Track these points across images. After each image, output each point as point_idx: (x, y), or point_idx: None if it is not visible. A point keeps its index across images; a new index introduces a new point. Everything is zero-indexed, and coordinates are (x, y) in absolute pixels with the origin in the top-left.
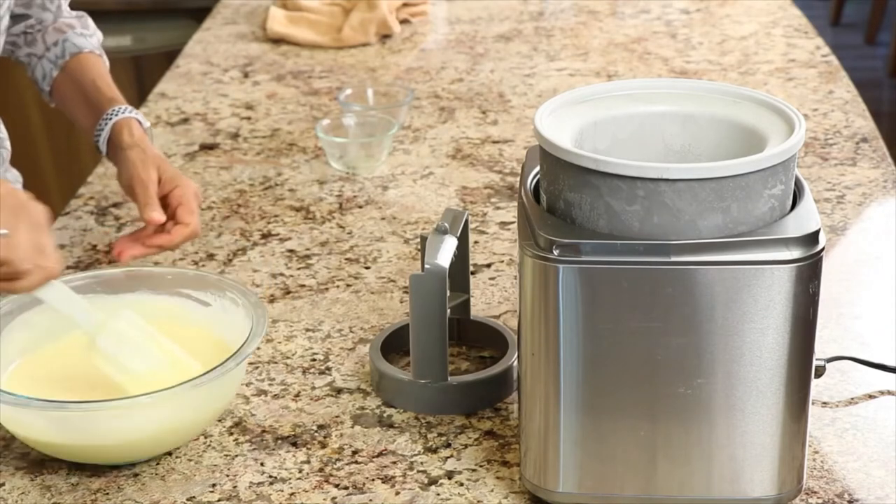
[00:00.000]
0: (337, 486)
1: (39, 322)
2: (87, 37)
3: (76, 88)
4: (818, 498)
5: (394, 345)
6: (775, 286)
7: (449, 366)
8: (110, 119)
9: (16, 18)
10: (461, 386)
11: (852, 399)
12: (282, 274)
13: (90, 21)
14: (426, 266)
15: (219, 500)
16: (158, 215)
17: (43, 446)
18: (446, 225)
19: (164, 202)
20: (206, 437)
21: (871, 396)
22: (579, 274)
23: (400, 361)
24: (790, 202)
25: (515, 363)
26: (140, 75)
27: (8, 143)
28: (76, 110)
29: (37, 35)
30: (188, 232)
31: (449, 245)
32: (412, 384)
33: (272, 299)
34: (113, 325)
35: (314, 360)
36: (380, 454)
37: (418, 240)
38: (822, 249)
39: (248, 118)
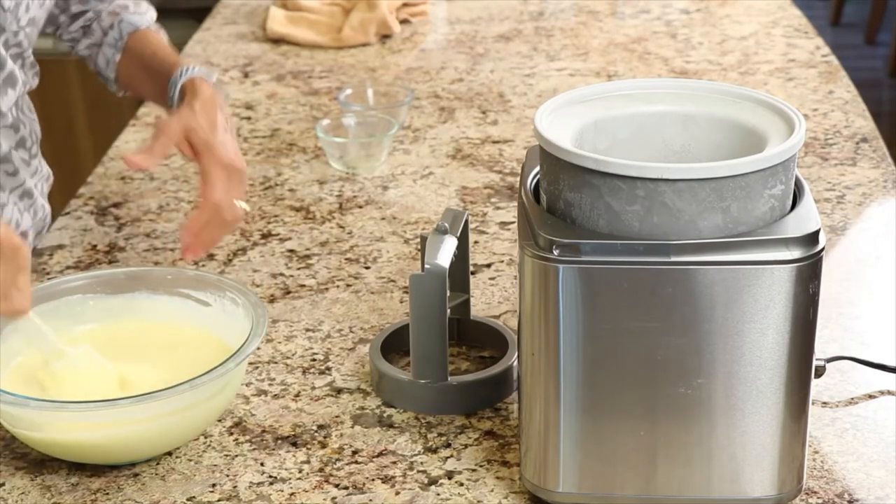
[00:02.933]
0: (337, 486)
1: (38, 322)
2: (142, 14)
3: (139, 66)
4: (818, 498)
5: (394, 345)
6: (775, 286)
7: (449, 366)
8: (176, 85)
9: (75, 17)
10: (461, 386)
11: (852, 399)
12: (282, 274)
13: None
14: (426, 266)
15: (219, 500)
16: (132, 156)
17: (43, 446)
18: (446, 225)
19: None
20: (206, 437)
21: (871, 396)
22: (579, 274)
23: (400, 361)
24: (790, 202)
25: (515, 363)
26: None
27: (38, 129)
28: (144, 87)
29: (93, 24)
30: (209, 208)
31: (449, 245)
32: (412, 384)
33: (272, 299)
34: (70, 355)
35: (314, 360)
36: (380, 454)
37: (418, 240)
38: (822, 249)
39: (248, 118)
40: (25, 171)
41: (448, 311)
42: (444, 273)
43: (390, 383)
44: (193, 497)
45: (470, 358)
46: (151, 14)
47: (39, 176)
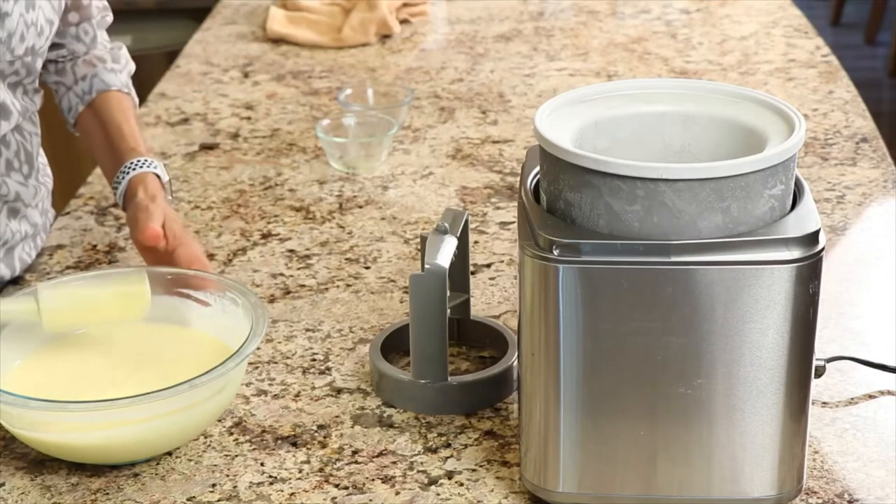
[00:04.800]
0: (337, 486)
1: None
2: (117, 72)
3: (100, 129)
4: (818, 498)
5: (394, 345)
6: (775, 286)
7: (449, 366)
8: (127, 173)
9: (50, 47)
10: (461, 386)
11: (852, 399)
12: (282, 274)
13: (124, 52)
14: (426, 266)
15: (219, 500)
16: (155, 226)
17: (43, 446)
18: (446, 225)
19: (171, 261)
20: (206, 437)
21: (871, 396)
22: (579, 274)
23: (400, 361)
24: (790, 202)
25: (515, 363)
26: (140, 75)
27: (50, 175)
28: (98, 151)
29: (66, 65)
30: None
31: (449, 245)
32: (412, 384)
33: (272, 299)
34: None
35: (314, 360)
36: (380, 454)
37: (418, 240)
38: (822, 249)
39: (248, 118)
40: (24, 193)
41: (448, 311)
42: (444, 273)
43: (390, 383)
44: (193, 497)
45: (470, 358)
46: (129, 70)
47: (39, 196)
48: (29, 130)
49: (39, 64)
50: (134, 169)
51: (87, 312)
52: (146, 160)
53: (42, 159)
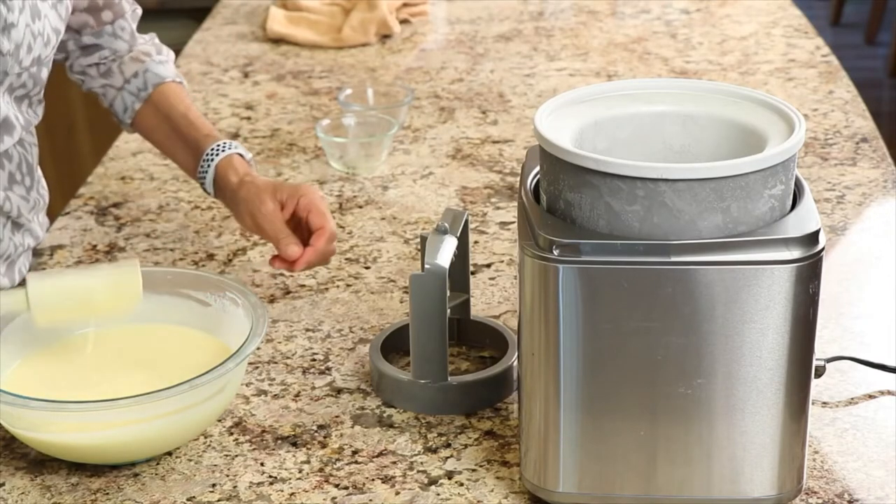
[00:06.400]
0: (337, 486)
1: None
2: (165, 63)
3: (165, 122)
4: (818, 498)
5: (394, 345)
6: (775, 286)
7: (449, 366)
8: (212, 160)
9: (86, 49)
10: (461, 386)
11: (852, 399)
12: (282, 274)
13: (158, 41)
14: (426, 266)
15: (219, 500)
16: (296, 249)
17: (43, 446)
18: (446, 225)
19: (294, 217)
20: (206, 437)
21: (871, 396)
22: (579, 274)
23: (400, 361)
24: (790, 202)
25: (515, 363)
26: None
27: (46, 187)
28: (167, 144)
29: (111, 66)
30: (327, 235)
31: (449, 245)
32: (412, 384)
33: (272, 299)
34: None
35: (314, 360)
36: (380, 454)
37: (418, 240)
38: (822, 249)
39: (248, 118)
40: (24, 207)
41: (448, 311)
42: (444, 273)
43: (390, 383)
44: (193, 497)
45: (470, 358)
46: (172, 57)
47: (38, 208)
48: (29, 142)
49: (45, 74)
50: (217, 154)
51: (78, 304)
52: (225, 143)
53: (39, 171)
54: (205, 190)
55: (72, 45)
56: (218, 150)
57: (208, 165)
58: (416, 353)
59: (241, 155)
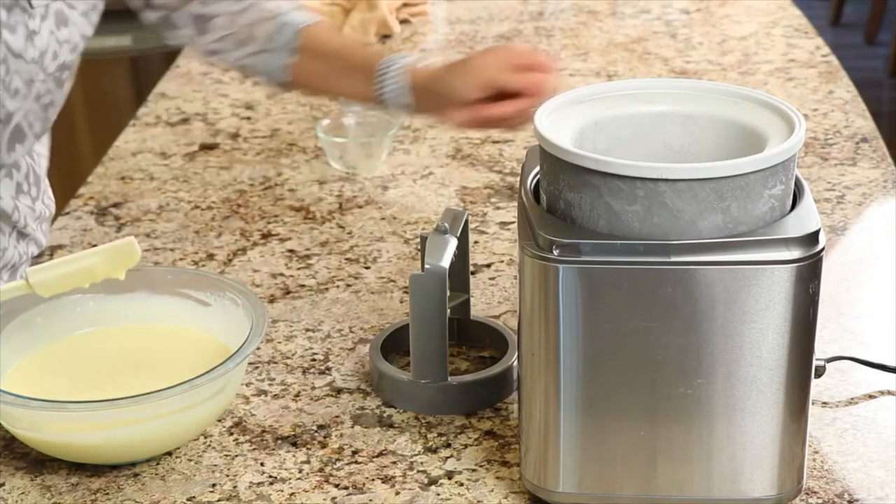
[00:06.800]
0: (337, 486)
1: (39, 322)
2: (297, 9)
3: (323, 63)
4: (818, 498)
5: (394, 345)
6: (775, 286)
7: (449, 366)
8: (385, 80)
9: (199, 20)
10: (461, 386)
11: (852, 399)
12: (282, 274)
13: None
14: (426, 266)
15: (219, 500)
16: (546, 58)
17: (43, 446)
18: (446, 225)
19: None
20: (206, 437)
21: (871, 396)
22: (579, 274)
23: (400, 361)
24: (790, 202)
25: (515, 363)
26: (140, 75)
27: (52, 198)
28: (334, 82)
29: (241, 33)
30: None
31: (449, 245)
32: (412, 384)
33: (272, 299)
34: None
35: (314, 360)
36: (380, 454)
37: (418, 240)
38: (822, 249)
39: (248, 118)
40: (31, 216)
41: (448, 311)
42: (444, 273)
43: (390, 383)
44: (193, 497)
45: (470, 358)
46: (298, 4)
47: (44, 218)
48: (38, 152)
49: (67, 77)
50: (391, 69)
51: (77, 273)
52: (397, 58)
53: (46, 181)
54: (385, 104)
55: (189, 31)
56: (390, 63)
57: (388, 83)
58: (416, 353)
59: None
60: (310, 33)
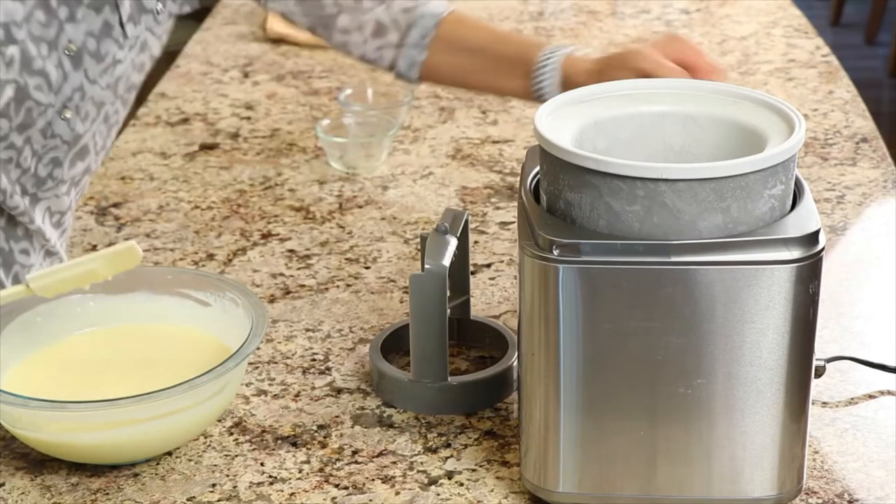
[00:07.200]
0: (337, 486)
1: (39, 323)
2: (433, 0)
3: (469, 56)
4: (818, 498)
5: (394, 345)
6: (775, 286)
7: (449, 366)
8: (545, 66)
9: (324, 21)
10: (461, 386)
11: (852, 399)
12: (282, 274)
13: None
14: (426, 266)
15: (219, 500)
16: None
17: (43, 446)
18: (446, 225)
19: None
20: (206, 437)
21: (871, 396)
22: (579, 274)
23: (400, 361)
24: (790, 202)
25: (515, 363)
26: None
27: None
28: (481, 78)
29: (378, 27)
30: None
31: (450, 246)
32: (412, 384)
33: (272, 299)
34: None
35: (314, 360)
36: (380, 454)
37: (418, 240)
38: (822, 249)
39: (248, 118)
40: (59, 237)
41: (448, 311)
42: (445, 273)
43: (390, 383)
44: (193, 497)
45: (470, 358)
46: None
47: (66, 235)
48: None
49: (133, 97)
50: (549, 59)
51: (77, 277)
52: (553, 49)
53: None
54: (543, 97)
55: (318, 28)
56: (549, 55)
57: (544, 69)
58: (416, 353)
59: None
60: (447, 28)
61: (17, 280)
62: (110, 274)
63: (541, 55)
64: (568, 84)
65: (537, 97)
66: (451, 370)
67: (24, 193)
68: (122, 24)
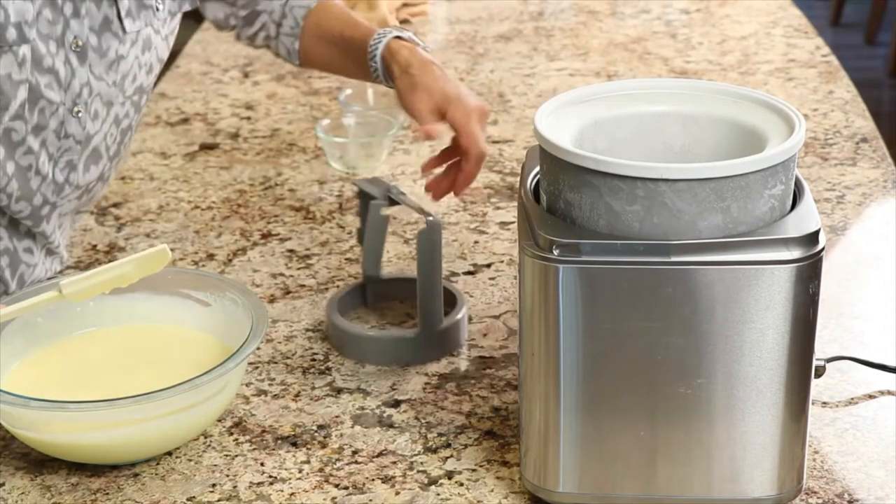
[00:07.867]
0: (337, 486)
1: (39, 323)
2: None
3: (327, 48)
4: (818, 498)
5: (349, 303)
6: (775, 286)
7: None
8: (374, 56)
9: (247, 19)
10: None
11: (852, 399)
12: (282, 274)
13: None
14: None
15: (219, 500)
16: (432, 129)
17: (43, 446)
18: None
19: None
20: (206, 437)
21: (871, 396)
22: (579, 274)
23: (351, 315)
24: (790, 202)
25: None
26: None
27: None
28: (338, 65)
29: (266, 19)
30: (473, 158)
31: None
32: (376, 339)
33: (272, 299)
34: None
35: (314, 360)
36: (380, 454)
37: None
38: (822, 249)
39: (248, 118)
40: (63, 238)
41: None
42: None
43: (346, 337)
44: (193, 497)
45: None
46: None
47: (68, 235)
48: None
49: (145, 101)
50: (375, 47)
51: (109, 281)
52: (381, 32)
53: None
54: (389, 86)
55: (233, 21)
56: (376, 42)
57: (374, 64)
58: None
59: (398, 37)
60: (315, 18)
61: (22, 281)
62: (139, 276)
63: (371, 42)
64: (394, 76)
65: (385, 84)
66: (382, 325)
67: (45, 203)
68: (120, 19)
